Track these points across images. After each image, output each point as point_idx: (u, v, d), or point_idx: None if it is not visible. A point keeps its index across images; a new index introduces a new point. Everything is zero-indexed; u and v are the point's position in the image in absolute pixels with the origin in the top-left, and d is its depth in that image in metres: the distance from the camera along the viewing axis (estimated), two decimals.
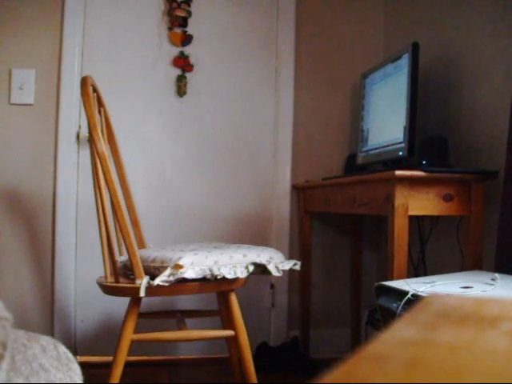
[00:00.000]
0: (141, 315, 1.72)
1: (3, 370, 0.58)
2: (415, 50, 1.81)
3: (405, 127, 1.81)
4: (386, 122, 2.01)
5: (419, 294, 1.16)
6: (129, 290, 1.54)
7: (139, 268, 1.53)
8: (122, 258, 1.78)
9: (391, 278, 1.54)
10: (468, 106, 1.90)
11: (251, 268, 1.59)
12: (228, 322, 1.69)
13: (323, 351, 2.48)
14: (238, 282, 1.63)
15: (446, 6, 2.07)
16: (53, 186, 2.27)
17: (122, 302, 2.33)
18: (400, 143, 1.84)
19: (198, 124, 2.44)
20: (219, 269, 1.54)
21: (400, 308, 1.16)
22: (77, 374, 0.73)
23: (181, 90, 2.39)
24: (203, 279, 1.56)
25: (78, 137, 2.30)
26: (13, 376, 0.62)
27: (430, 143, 1.80)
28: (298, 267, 1.70)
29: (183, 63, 2.39)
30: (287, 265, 1.67)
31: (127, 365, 1.63)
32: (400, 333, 0.38)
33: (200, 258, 1.55)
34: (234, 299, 1.64)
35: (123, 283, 1.56)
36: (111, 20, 2.35)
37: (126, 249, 1.54)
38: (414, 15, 2.32)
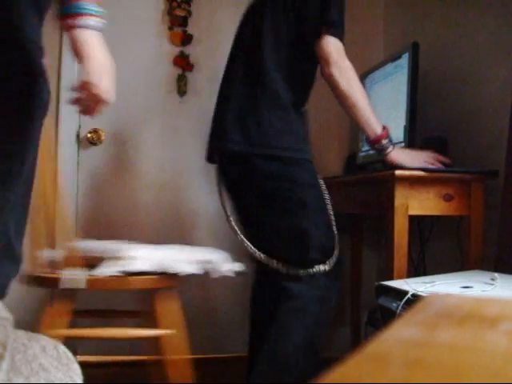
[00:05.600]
0: (78, 313, 1.56)
1: (3, 370, 0.58)
2: (415, 49, 1.81)
3: (405, 127, 1.81)
4: (386, 121, 2.01)
5: (419, 293, 1.16)
6: (49, 280, 1.38)
7: (71, 258, 1.39)
8: (53, 250, 1.60)
9: (391, 278, 1.54)
10: (468, 106, 1.90)
11: (197, 266, 1.52)
12: (163, 321, 1.54)
13: (323, 351, 2.47)
14: (182, 279, 1.52)
15: (446, 5, 2.07)
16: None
17: (122, 302, 2.33)
18: (400, 143, 1.84)
19: (197, 123, 2.43)
20: (167, 264, 1.45)
21: (400, 308, 1.16)
22: (77, 374, 0.73)
23: (181, 90, 2.39)
24: (147, 273, 1.45)
25: (78, 137, 2.30)
26: (13, 376, 0.61)
27: (429, 143, 1.80)
28: (242, 270, 1.62)
29: (183, 63, 2.39)
30: (233, 267, 1.60)
31: (127, 365, 1.63)
32: (400, 333, 0.38)
33: (145, 252, 1.46)
34: (175, 297, 1.53)
35: (45, 273, 1.41)
36: (111, 19, 2.34)
37: (59, 239, 1.43)
38: (414, 15, 2.32)
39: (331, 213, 1.60)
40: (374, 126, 1.55)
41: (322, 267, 1.52)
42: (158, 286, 1.51)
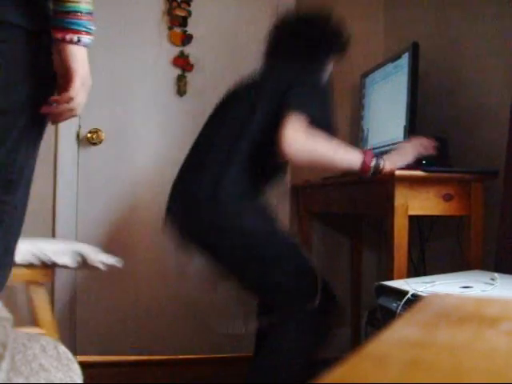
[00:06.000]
0: None
1: (3, 370, 0.58)
2: (415, 49, 1.81)
3: (405, 127, 1.82)
4: (386, 121, 2.01)
5: (419, 293, 1.16)
6: None
7: None
8: None
9: (391, 278, 1.54)
10: (468, 106, 1.90)
11: (69, 257, 1.48)
12: (36, 319, 1.49)
13: (323, 351, 2.47)
14: (53, 272, 1.48)
15: (446, 5, 2.07)
16: (53, 186, 2.27)
17: (123, 302, 2.33)
18: (400, 143, 1.84)
19: (197, 124, 2.43)
20: (41, 254, 1.41)
21: (400, 308, 1.16)
22: (77, 374, 0.73)
23: (181, 90, 2.39)
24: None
25: (78, 137, 2.30)
26: (13, 376, 0.61)
27: None
28: (118, 264, 1.64)
29: (183, 63, 2.39)
30: (110, 260, 1.60)
31: (127, 365, 1.63)
32: (400, 333, 0.38)
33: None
34: (44, 292, 1.49)
35: None
36: (111, 19, 2.35)
37: None
38: (414, 15, 2.32)
39: (302, 253, 1.60)
40: (356, 160, 1.49)
41: (307, 307, 1.54)
42: (28, 279, 1.42)
